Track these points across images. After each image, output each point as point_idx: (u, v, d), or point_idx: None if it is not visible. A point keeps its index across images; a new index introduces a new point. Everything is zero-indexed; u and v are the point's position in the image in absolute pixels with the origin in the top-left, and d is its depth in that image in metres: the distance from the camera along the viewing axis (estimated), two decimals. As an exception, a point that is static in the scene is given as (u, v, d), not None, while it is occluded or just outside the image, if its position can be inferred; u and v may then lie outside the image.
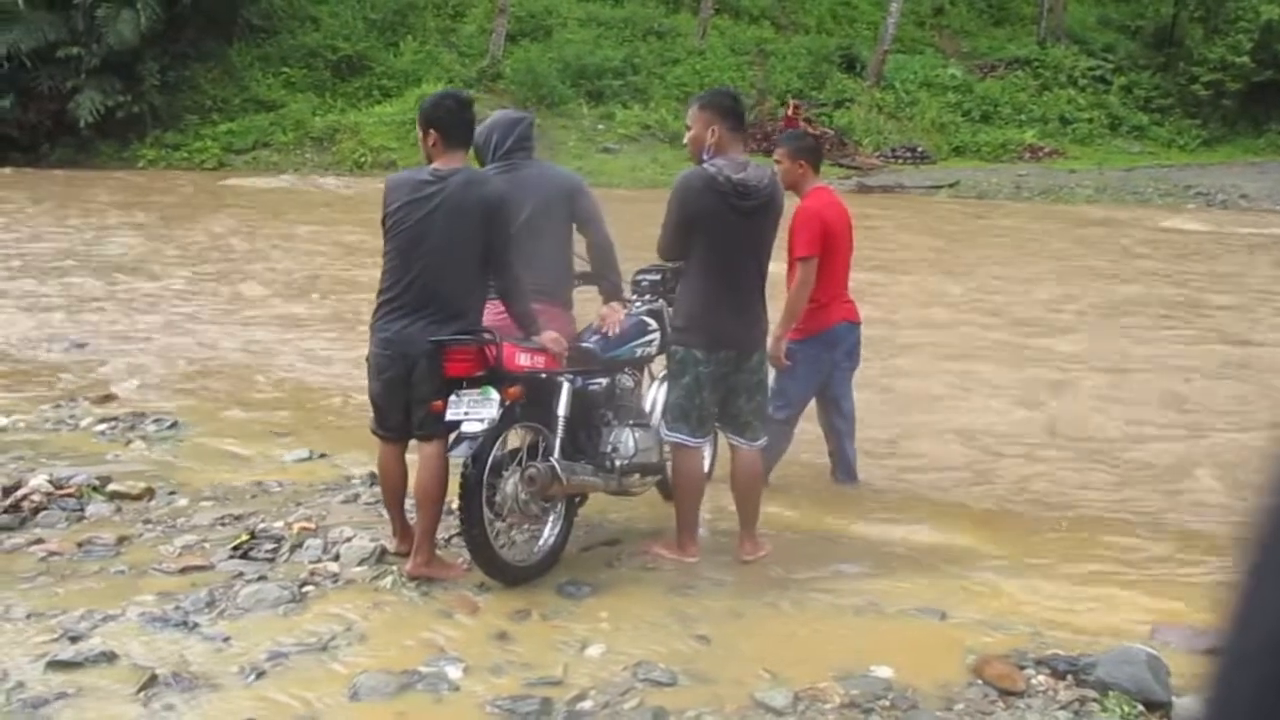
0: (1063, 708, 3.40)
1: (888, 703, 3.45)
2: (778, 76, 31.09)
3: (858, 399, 5.80)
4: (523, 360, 4.34)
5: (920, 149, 28.60)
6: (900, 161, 28.02)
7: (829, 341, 5.55)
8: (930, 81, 31.38)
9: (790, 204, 5.24)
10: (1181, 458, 6.54)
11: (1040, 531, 5.29)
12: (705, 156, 4.66)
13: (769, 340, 5.06)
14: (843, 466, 5.75)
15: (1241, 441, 6.82)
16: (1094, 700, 3.42)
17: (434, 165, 4.48)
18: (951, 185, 24.38)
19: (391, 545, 4.64)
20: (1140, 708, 3.37)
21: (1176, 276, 13.62)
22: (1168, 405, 7.72)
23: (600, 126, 28.81)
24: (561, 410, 4.47)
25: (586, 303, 5.28)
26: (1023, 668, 3.65)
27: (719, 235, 4.55)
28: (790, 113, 27.38)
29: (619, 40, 32.05)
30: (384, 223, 4.49)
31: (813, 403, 5.68)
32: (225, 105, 28.83)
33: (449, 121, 4.49)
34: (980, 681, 3.58)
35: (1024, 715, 3.37)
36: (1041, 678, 3.59)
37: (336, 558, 4.56)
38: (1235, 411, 7.56)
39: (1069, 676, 3.57)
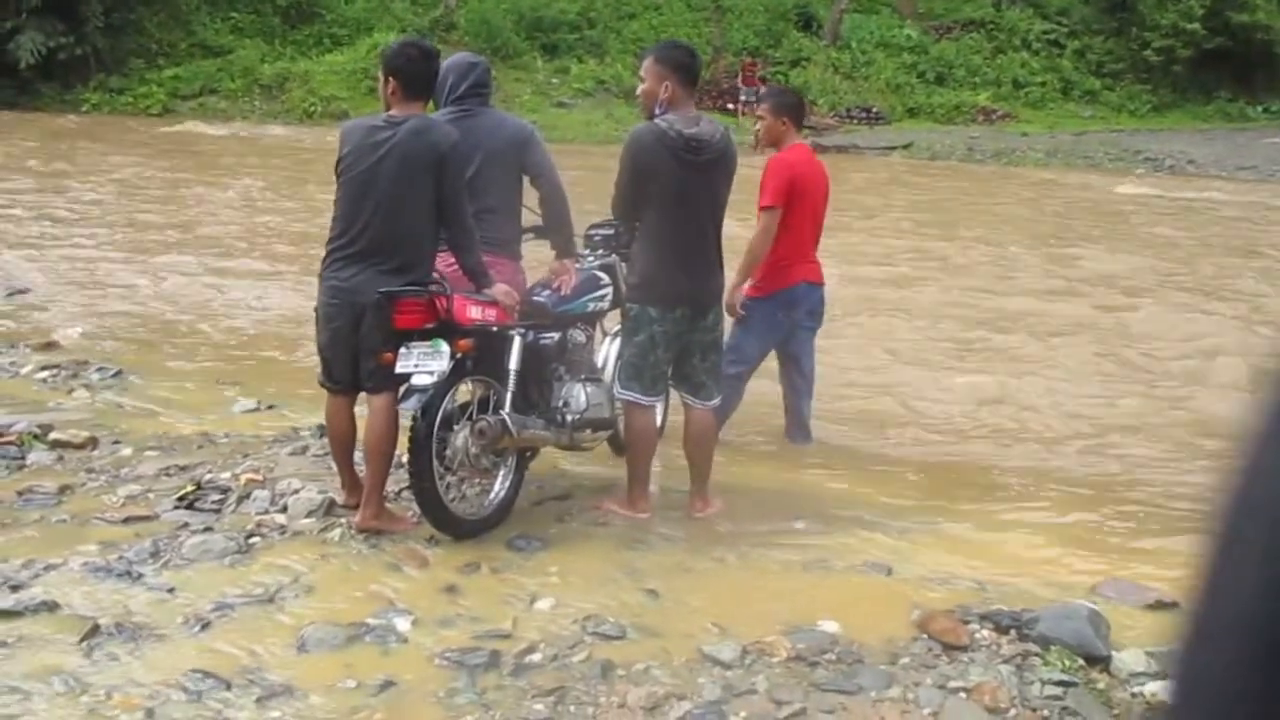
0: (1005, 662, 3.46)
1: (833, 656, 3.49)
2: (734, 34, 30.91)
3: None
4: (473, 313, 4.30)
5: (875, 110, 28.62)
6: (855, 122, 28.03)
7: (788, 301, 5.55)
8: (886, 42, 31.35)
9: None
10: (1126, 419, 6.64)
11: (986, 490, 5.36)
12: (658, 111, 4.61)
13: (728, 289, 5.08)
14: (797, 424, 5.76)
15: (1184, 406, 6.94)
16: (1036, 654, 3.48)
17: (389, 112, 4.42)
18: (905, 147, 24.44)
19: (340, 498, 4.60)
20: (1081, 662, 3.43)
21: (1125, 241, 13.77)
22: (1115, 368, 7.83)
23: (555, 81, 28.52)
24: (513, 364, 4.44)
25: (538, 256, 5.24)
26: (967, 623, 3.70)
27: (672, 191, 4.52)
28: (746, 72, 27.25)
29: (575, -8, 31.65)
30: (336, 168, 4.43)
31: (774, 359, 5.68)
32: (171, 50, 28.16)
33: (409, 70, 4.41)
34: (925, 636, 3.62)
35: (967, 669, 3.42)
36: (985, 632, 3.64)
37: (284, 509, 4.52)
38: (1179, 377, 7.68)
39: (1012, 631, 3.63)
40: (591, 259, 5.16)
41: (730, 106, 26.45)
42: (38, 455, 5.11)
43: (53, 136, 21.01)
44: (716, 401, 4.88)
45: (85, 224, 12.39)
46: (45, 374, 6.49)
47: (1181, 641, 0.63)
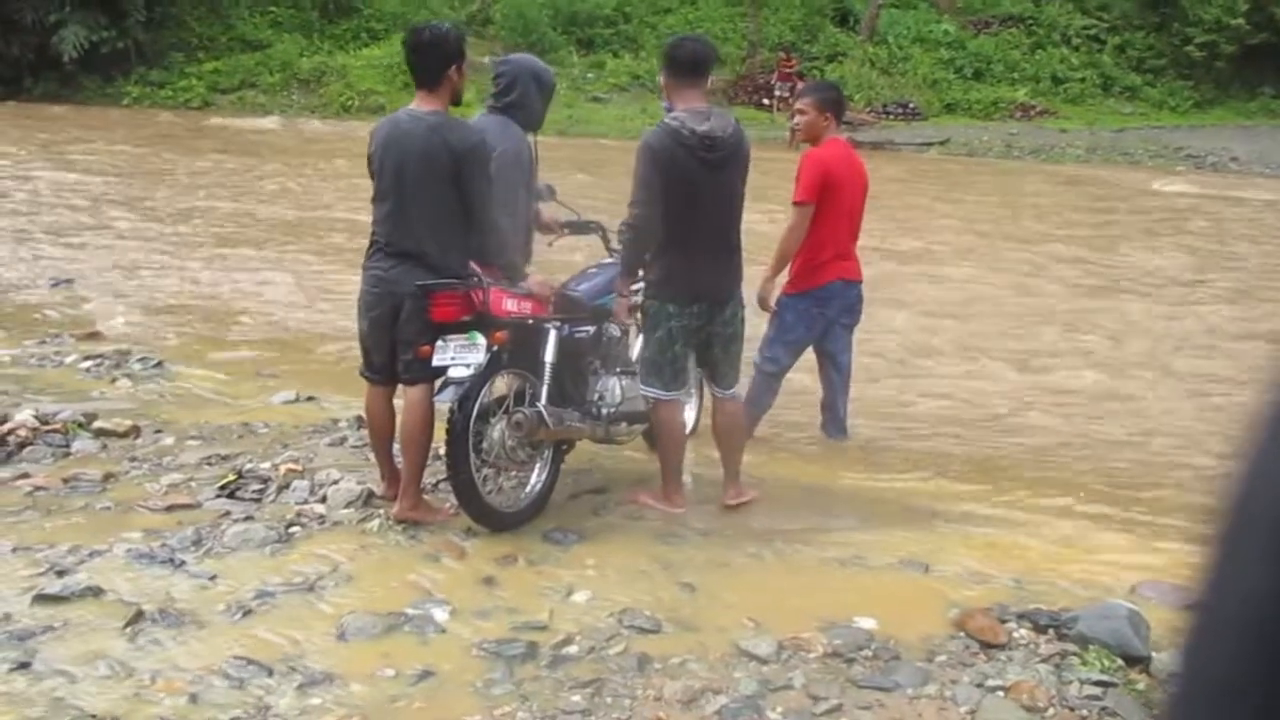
0: (1043, 661, 3.44)
1: (870, 653, 3.48)
2: (770, 28, 30.78)
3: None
4: (509, 306, 4.33)
5: (912, 105, 28.41)
6: (891, 118, 27.83)
7: (821, 298, 5.52)
8: (923, 37, 31.09)
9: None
10: (1164, 418, 6.58)
11: (1023, 487, 5.32)
12: (664, 106, 4.68)
13: (760, 282, 5.13)
14: (833, 420, 5.75)
15: (1222, 405, 6.86)
16: (1074, 654, 3.46)
17: (411, 106, 4.44)
18: (942, 143, 24.24)
19: (379, 488, 4.64)
20: (1120, 662, 3.41)
21: (1170, 241, 13.62)
22: (1152, 367, 7.76)
23: (590, 75, 28.53)
24: (548, 357, 4.45)
25: (572, 252, 5.26)
26: (1004, 621, 3.68)
27: (688, 189, 4.48)
28: (782, 66, 27.12)
29: (611, -14, 31.65)
30: (369, 164, 4.45)
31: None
32: (211, 43, 28.46)
33: (408, 61, 4.45)
34: (962, 634, 3.61)
35: (1005, 668, 3.41)
36: (1023, 631, 3.62)
37: (323, 500, 4.57)
38: (1218, 375, 7.60)
39: (1050, 630, 3.61)
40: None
41: (765, 102, 26.38)
42: (82, 444, 5.19)
43: (94, 128, 21.26)
44: (741, 389, 4.92)
45: (127, 215, 12.54)
46: (89, 364, 6.58)
47: (1186, 634, 0.63)
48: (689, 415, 5.30)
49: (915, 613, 3.78)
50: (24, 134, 19.76)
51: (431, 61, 4.38)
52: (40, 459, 4.99)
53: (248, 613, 3.62)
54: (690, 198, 4.50)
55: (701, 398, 5.42)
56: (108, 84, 26.91)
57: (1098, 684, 3.30)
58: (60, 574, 3.78)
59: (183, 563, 3.94)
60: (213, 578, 3.85)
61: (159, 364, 6.65)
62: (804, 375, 5.86)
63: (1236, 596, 0.60)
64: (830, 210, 5.38)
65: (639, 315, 4.94)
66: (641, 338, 4.86)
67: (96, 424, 5.38)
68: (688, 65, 4.61)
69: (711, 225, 4.60)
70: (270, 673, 3.25)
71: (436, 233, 4.31)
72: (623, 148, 18.23)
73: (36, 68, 26.54)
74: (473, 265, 4.40)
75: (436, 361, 4.23)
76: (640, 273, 4.76)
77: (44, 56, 26.19)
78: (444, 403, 4.26)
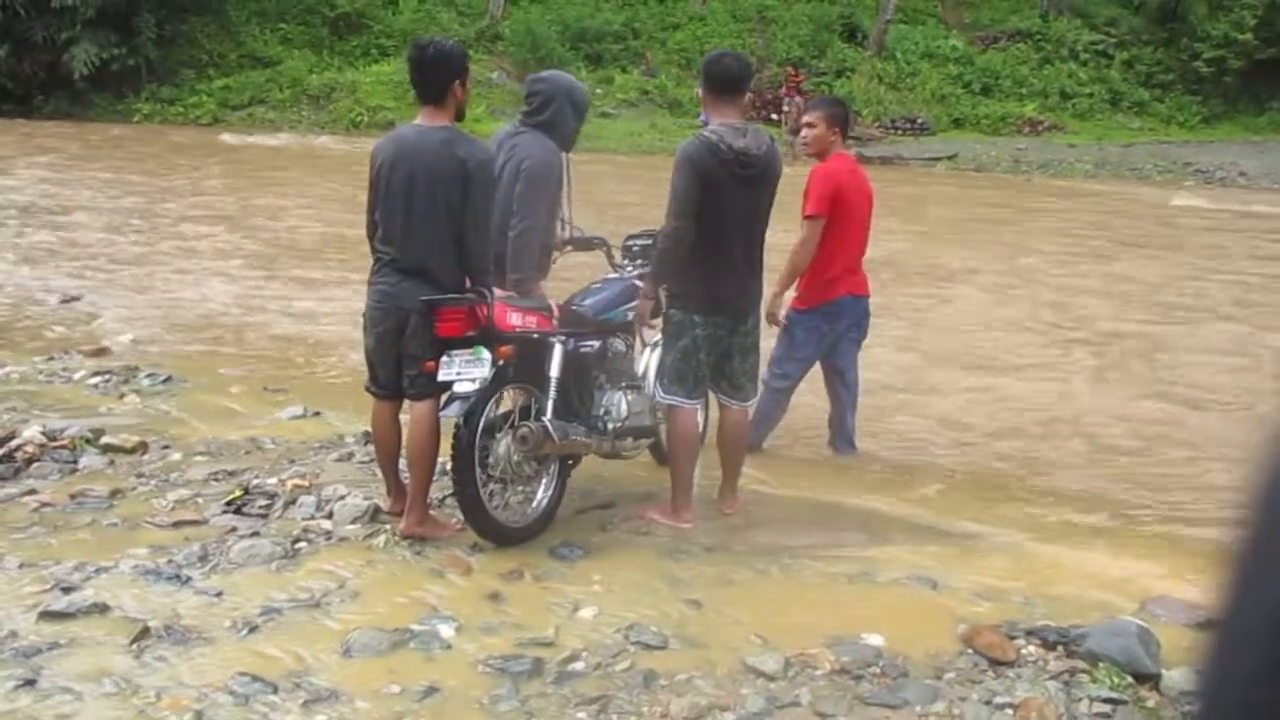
0: (1053, 678, 3.42)
1: (878, 670, 3.47)
2: (779, 44, 30.88)
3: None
4: (514, 320, 4.33)
5: (920, 120, 28.45)
6: (900, 132, 27.88)
7: (831, 314, 5.52)
8: (931, 52, 31.17)
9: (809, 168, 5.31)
10: (1175, 433, 6.55)
11: (1033, 504, 5.30)
12: (701, 119, 4.69)
13: (769, 297, 5.14)
14: (841, 436, 5.74)
15: (1235, 419, 6.83)
16: (1084, 671, 3.44)
17: (416, 122, 4.44)
18: (950, 158, 24.26)
19: (385, 504, 4.64)
20: (1130, 679, 3.39)
21: (1175, 255, 13.60)
22: (1163, 382, 7.73)
23: (599, 91, 28.60)
24: (554, 371, 4.45)
25: (581, 268, 5.25)
26: (1013, 638, 3.66)
27: (719, 202, 4.53)
28: (790, 81, 27.16)
29: (620, 3, 31.78)
30: (373, 181, 4.44)
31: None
32: (221, 60, 28.64)
33: (412, 77, 4.41)
34: (971, 651, 3.59)
35: (1014, 685, 3.39)
36: (1032, 648, 3.61)
37: (330, 515, 4.56)
38: (1229, 390, 7.57)
39: (1059, 647, 3.59)
40: (630, 269, 5.18)
41: (774, 117, 26.42)
42: (89, 459, 5.19)
43: (103, 145, 21.37)
44: (753, 401, 4.97)
45: (135, 231, 12.58)
46: (97, 379, 6.58)
47: (1205, 655, 0.63)
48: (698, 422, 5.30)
49: (923, 629, 3.77)
50: (34, 151, 19.86)
51: (436, 77, 4.35)
52: (47, 475, 4.99)
53: (253, 629, 3.61)
54: (720, 212, 4.54)
55: (707, 411, 5.40)
56: (118, 101, 27.09)
57: (1107, 701, 3.28)
58: (66, 590, 3.78)
59: (189, 579, 3.94)
60: (219, 594, 3.84)
61: (167, 379, 6.66)
62: (810, 391, 5.84)
63: (1256, 617, 0.60)
64: (839, 225, 5.39)
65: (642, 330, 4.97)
66: (664, 346, 4.86)
67: (104, 440, 5.38)
68: (725, 81, 4.64)
69: (738, 240, 4.63)
70: (276, 689, 3.24)
71: (444, 248, 4.31)
72: (632, 164, 18.32)
73: (47, 85, 26.73)
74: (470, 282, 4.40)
75: (442, 376, 4.22)
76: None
77: (55, 74, 26.38)
78: (449, 418, 4.25)
